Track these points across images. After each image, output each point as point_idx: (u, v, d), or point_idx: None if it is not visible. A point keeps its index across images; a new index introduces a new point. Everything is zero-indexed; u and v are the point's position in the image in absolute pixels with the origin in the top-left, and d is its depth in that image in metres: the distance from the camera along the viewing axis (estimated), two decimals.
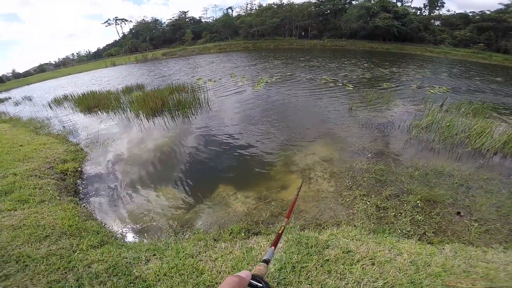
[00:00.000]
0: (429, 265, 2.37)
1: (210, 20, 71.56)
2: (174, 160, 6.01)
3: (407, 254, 2.53)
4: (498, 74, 18.35)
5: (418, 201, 3.65)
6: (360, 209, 3.61)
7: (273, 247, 0.94)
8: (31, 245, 2.88)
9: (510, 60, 29.85)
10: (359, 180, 4.33)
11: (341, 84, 12.45)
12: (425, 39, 41.89)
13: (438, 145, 5.64)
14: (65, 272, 2.50)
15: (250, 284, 0.63)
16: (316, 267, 2.38)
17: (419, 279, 2.19)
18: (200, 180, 5.06)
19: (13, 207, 3.67)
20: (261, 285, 0.64)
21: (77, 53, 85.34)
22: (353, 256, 2.51)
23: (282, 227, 1.14)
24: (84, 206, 4.23)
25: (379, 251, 2.59)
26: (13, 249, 2.78)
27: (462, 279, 2.18)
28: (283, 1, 56.10)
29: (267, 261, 0.82)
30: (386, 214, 3.49)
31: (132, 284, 2.35)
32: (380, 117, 7.58)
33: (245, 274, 0.64)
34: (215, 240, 3.12)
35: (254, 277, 0.66)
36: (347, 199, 3.88)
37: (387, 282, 2.17)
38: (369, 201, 3.76)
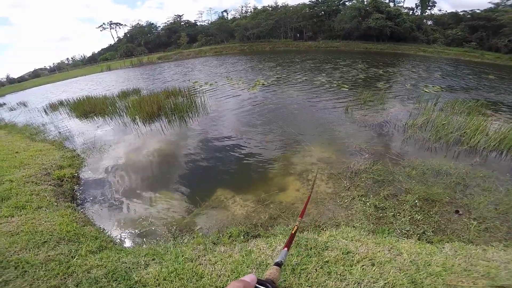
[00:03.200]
0: (429, 265, 2.37)
1: (206, 23, 71.75)
2: (172, 165, 5.99)
3: (407, 253, 2.54)
4: (490, 72, 18.55)
5: (416, 201, 3.67)
6: (359, 210, 3.62)
7: (286, 249, 0.88)
8: (30, 251, 2.86)
9: (502, 58, 30.20)
10: (357, 181, 4.34)
11: (336, 85, 12.51)
12: (418, 39, 42.31)
13: (434, 144, 5.69)
14: (65, 278, 2.48)
15: None
16: (316, 269, 2.38)
17: (420, 278, 2.20)
18: (198, 184, 5.05)
19: (10, 214, 3.64)
20: None
21: (71, 58, 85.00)
22: (352, 257, 2.51)
23: (296, 227, 1.08)
24: (82, 212, 4.20)
25: (379, 251, 2.59)
26: (11, 255, 2.76)
27: (463, 278, 2.19)
28: (277, 3, 56.53)
29: (279, 264, 0.76)
30: (385, 214, 3.50)
31: None
32: (376, 117, 7.63)
33: (249, 278, 0.59)
34: (214, 243, 3.11)
35: (260, 281, 0.61)
36: (346, 200, 3.89)
37: (388, 282, 2.17)
38: (367, 202, 3.77)
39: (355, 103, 9.24)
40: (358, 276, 2.25)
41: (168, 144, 7.06)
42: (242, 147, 6.34)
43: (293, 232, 1.02)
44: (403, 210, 3.54)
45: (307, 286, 2.21)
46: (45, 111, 13.66)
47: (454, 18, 43.89)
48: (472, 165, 4.75)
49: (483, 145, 5.36)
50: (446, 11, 49.00)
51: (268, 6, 57.69)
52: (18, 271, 2.52)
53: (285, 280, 2.27)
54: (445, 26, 44.06)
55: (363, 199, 3.85)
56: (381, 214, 3.51)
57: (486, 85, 13.27)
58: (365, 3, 44.24)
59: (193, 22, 72.81)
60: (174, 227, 3.73)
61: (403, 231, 3.16)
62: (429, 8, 51.37)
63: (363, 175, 4.49)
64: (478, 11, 40.47)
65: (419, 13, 51.70)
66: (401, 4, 52.84)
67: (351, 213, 3.61)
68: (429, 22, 48.19)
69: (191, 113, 9.51)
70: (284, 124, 7.68)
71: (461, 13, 43.79)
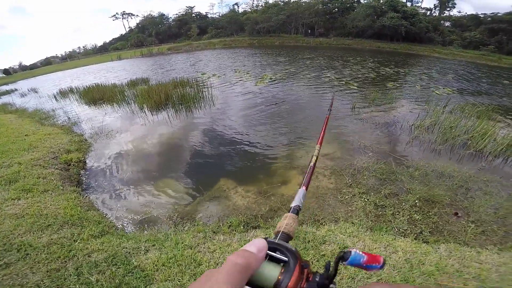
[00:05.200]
0: (423, 264, 2.39)
1: (216, 16, 71.56)
2: (177, 153, 6.07)
3: (402, 252, 2.55)
4: (506, 77, 18.10)
5: (416, 201, 3.66)
6: (359, 207, 3.64)
7: (304, 188, 0.65)
8: (33, 234, 2.90)
9: None
10: (359, 178, 4.34)
11: (345, 83, 12.39)
12: (434, 40, 41.47)
13: (440, 146, 5.62)
14: (65, 261, 2.53)
15: (270, 258, 0.39)
16: (312, 262, 2.42)
17: (413, 277, 2.22)
18: (202, 173, 5.12)
19: (17, 196, 3.71)
20: (284, 258, 0.38)
21: (83, 47, 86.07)
22: None
23: (315, 157, 0.82)
24: (86, 196, 4.30)
25: (375, 248, 2.62)
26: (15, 238, 2.80)
27: (454, 279, 2.20)
28: None
29: (296, 210, 0.56)
30: (384, 212, 3.50)
31: (130, 273, 2.40)
32: (383, 117, 7.56)
33: (257, 246, 0.38)
34: (214, 232, 3.16)
35: (273, 245, 0.41)
36: (346, 196, 3.90)
37: (381, 279, 2.21)
38: (368, 199, 3.77)
39: (363, 101, 9.15)
40: (353, 271, 2.28)
41: (174, 133, 7.14)
42: (247, 140, 6.38)
43: (312, 164, 0.76)
44: (403, 209, 3.54)
45: None
46: (55, 97, 13.89)
47: (474, 20, 42.89)
48: (479, 169, 4.69)
49: (490, 149, 5.29)
50: (466, 13, 47.96)
51: (280, 0, 57.07)
52: (20, 254, 2.56)
53: None
54: (464, 28, 43.13)
55: (363, 196, 3.86)
56: (381, 212, 3.52)
57: (500, 90, 12.97)
58: (381, 1, 43.38)
59: (204, 14, 72.92)
60: (176, 215, 3.81)
61: (400, 229, 3.17)
62: (448, 9, 50.19)
63: (366, 173, 4.48)
64: (499, 14, 39.44)
65: (437, 14, 50.56)
66: (419, 4, 51.79)
67: (350, 210, 3.62)
68: (447, 24, 47.13)
69: (198, 104, 9.56)
70: (289, 118, 7.68)
71: (481, 16, 42.71)
